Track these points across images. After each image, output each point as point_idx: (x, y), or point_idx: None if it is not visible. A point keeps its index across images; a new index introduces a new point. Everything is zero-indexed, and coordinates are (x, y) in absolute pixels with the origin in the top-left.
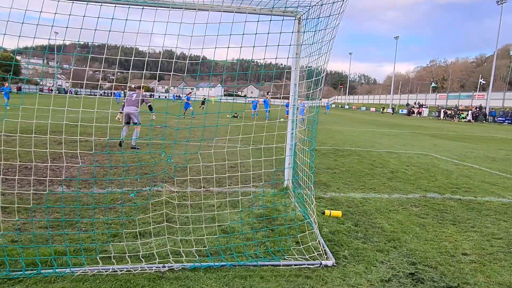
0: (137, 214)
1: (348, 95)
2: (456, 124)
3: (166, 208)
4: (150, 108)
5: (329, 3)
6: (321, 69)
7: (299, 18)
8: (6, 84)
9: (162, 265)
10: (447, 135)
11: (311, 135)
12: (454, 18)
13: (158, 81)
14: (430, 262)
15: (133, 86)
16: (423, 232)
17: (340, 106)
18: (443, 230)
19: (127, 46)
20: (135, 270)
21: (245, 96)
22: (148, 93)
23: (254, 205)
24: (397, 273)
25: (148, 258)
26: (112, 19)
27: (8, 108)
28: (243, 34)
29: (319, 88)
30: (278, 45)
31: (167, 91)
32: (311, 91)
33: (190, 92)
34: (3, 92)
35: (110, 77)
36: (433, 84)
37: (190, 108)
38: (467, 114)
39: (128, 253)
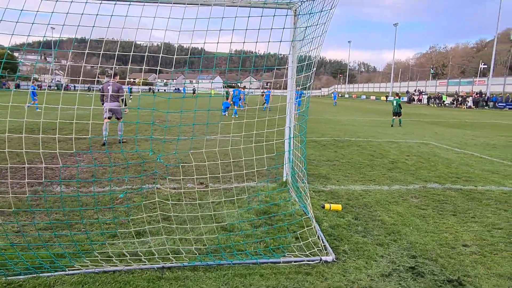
0: (134, 214)
1: (348, 83)
2: (457, 111)
3: (164, 207)
4: (124, 102)
5: None
6: (313, 58)
7: (295, 10)
8: (35, 83)
9: (161, 264)
10: (447, 123)
11: (302, 131)
12: (454, 3)
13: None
14: (430, 254)
15: (109, 72)
16: (423, 224)
17: (340, 95)
18: (444, 222)
19: (125, 40)
20: (134, 271)
21: (244, 87)
22: (125, 87)
23: (253, 202)
24: (397, 267)
25: (147, 258)
26: (112, 15)
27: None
28: (246, 29)
29: (310, 79)
30: (276, 41)
31: (165, 84)
32: (307, 80)
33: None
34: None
35: (109, 72)
36: (432, 72)
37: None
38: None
39: (127, 253)
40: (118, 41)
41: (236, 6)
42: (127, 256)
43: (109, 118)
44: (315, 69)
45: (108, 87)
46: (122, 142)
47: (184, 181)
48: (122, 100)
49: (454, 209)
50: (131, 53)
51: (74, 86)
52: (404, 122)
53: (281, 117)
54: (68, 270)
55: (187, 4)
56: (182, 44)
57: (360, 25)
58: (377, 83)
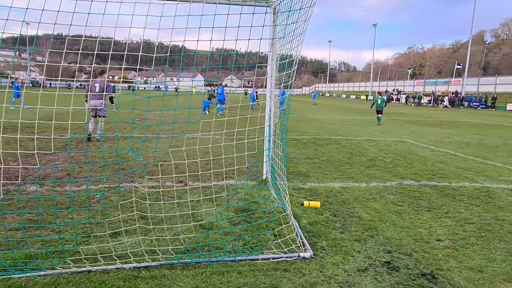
0: (111, 214)
1: (328, 83)
2: (434, 110)
3: (141, 206)
4: (111, 100)
5: None
6: (294, 56)
7: (274, 7)
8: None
9: (137, 264)
10: (424, 121)
11: (283, 129)
12: (431, 5)
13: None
14: (405, 249)
15: (87, 69)
16: (399, 220)
17: (321, 94)
18: (419, 217)
19: (104, 37)
20: (109, 271)
21: (226, 85)
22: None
23: (232, 199)
24: (373, 262)
25: (123, 257)
26: (89, 14)
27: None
28: (225, 27)
29: (291, 77)
30: (254, 38)
31: (146, 82)
32: (288, 78)
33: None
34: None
35: (87, 69)
36: (410, 72)
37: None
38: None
39: (103, 253)
40: (96, 38)
41: (215, 3)
42: (102, 256)
43: (94, 116)
44: (296, 67)
45: (95, 85)
46: (102, 141)
47: (163, 179)
48: (111, 98)
49: (429, 205)
50: (110, 52)
51: (50, 84)
52: (383, 121)
53: (262, 115)
54: (41, 271)
55: (166, 1)
56: (163, 42)
57: (341, 24)
58: (357, 83)
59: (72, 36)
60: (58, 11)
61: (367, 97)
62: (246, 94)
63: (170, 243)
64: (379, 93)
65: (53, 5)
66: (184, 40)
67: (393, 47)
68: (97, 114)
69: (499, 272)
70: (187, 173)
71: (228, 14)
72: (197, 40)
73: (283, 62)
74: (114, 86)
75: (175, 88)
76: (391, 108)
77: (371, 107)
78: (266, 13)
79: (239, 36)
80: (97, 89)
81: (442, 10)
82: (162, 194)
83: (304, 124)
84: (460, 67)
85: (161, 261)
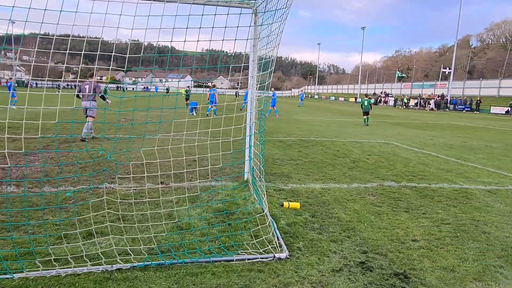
0: (86, 214)
1: (317, 85)
2: (420, 113)
3: (120, 206)
4: (103, 98)
5: None
6: (272, 57)
7: (256, 9)
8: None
9: (110, 266)
10: (410, 124)
11: (261, 129)
12: (418, 9)
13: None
14: (381, 250)
15: (75, 69)
16: (377, 221)
17: (310, 96)
18: (397, 218)
19: (91, 37)
20: (80, 272)
21: (214, 86)
22: (102, 85)
23: (212, 200)
24: (348, 263)
25: (95, 259)
26: (76, 12)
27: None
28: (212, 27)
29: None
30: (229, 39)
31: (134, 83)
32: (267, 78)
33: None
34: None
35: (74, 69)
36: (398, 74)
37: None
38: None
39: (74, 254)
40: (84, 38)
41: (202, 4)
42: (74, 258)
43: (86, 116)
44: (273, 68)
45: (85, 87)
46: (86, 141)
47: (142, 181)
48: (102, 96)
49: (408, 206)
50: (98, 52)
51: (36, 84)
52: (369, 123)
53: (238, 115)
54: (9, 274)
55: (153, 1)
56: (151, 42)
57: (330, 27)
58: (346, 85)
59: (59, 36)
60: (45, 10)
61: (355, 99)
62: (236, 96)
63: (144, 244)
64: (366, 95)
65: (40, 3)
66: (172, 41)
67: (381, 50)
68: (87, 114)
69: (471, 271)
70: (159, 173)
71: (202, 15)
72: (184, 41)
73: (262, 62)
74: (106, 88)
75: (166, 88)
76: (379, 111)
77: (361, 107)
78: (240, 13)
79: (222, 37)
80: (87, 91)
81: (429, 14)
82: (141, 195)
83: (291, 126)
84: (446, 70)
85: (134, 262)
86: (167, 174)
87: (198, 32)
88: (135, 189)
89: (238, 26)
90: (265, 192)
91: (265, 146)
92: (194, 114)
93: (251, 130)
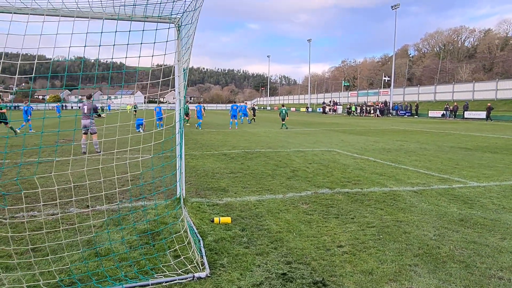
0: None
1: (269, 96)
2: (365, 119)
3: (33, 237)
4: (99, 115)
5: (199, 7)
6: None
7: (178, 24)
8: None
9: None
10: (355, 130)
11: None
12: (361, 21)
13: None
14: (305, 259)
15: (84, 96)
16: (307, 229)
17: (262, 107)
18: (326, 225)
19: (30, 54)
20: None
21: (167, 102)
22: (98, 105)
23: (141, 220)
24: (270, 275)
25: None
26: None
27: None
28: (140, 43)
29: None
30: (153, 55)
31: (80, 101)
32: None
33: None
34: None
35: (13, 88)
36: (344, 83)
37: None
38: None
39: None
40: (19, 54)
41: (103, 19)
42: None
43: (85, 133)
44: (186, 81)
45: (84, 107)
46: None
47: (67, 205)
48: (99, 115)
49: (338, 212)
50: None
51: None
52: (315, 132)
53: (168, 127)
54: None
55: (82, 18)
56: (100, 60)
57: (279, 40)
58: (297, 95)
59: None
60: None
61: (307, 109)
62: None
63: (57, 275)
64: (283, 105)
65: None
66: (98, 58)
67: (329, 61)
68: (88, 131)
69: (387, 272)
70: (72, 198)
71: (129, 31)
72: (111, 58)
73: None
74: (102, 107)
75: (134, 105)
76: (326, 119)
77: (279, 115)
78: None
79: (145, 53)
80: (85, 110)
81: (370, 26)
82: (61, 222)
83: (237, 138)
84: (387, 78)
85: None
86: (97, 196)
87: (126, 48)
88: (53, 217)
89: (160, 42)
90: (184, 208)
91: (207, 160)
92: (141, 131)
93: (181, 139)
